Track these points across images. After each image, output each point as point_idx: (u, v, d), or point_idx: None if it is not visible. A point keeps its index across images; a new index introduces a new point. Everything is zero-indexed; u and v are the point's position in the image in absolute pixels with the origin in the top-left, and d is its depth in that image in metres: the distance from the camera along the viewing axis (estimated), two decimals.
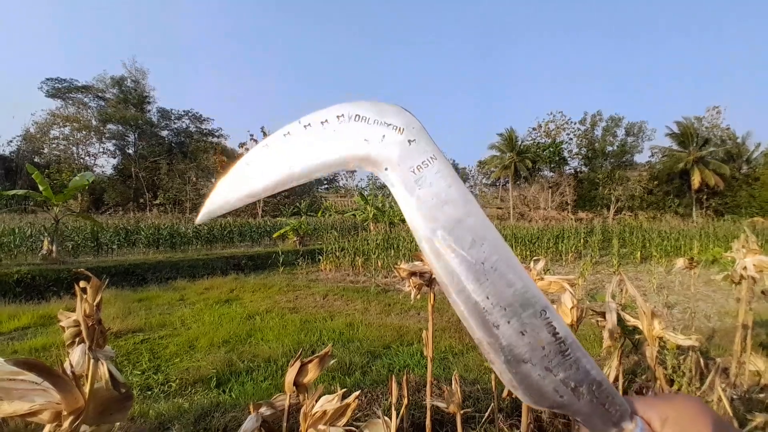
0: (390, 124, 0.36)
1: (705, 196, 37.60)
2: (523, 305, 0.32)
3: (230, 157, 42.04)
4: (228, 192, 0.37)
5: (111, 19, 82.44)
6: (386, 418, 0.94)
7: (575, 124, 43.70)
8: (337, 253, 10.90)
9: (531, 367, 0.32)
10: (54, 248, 9.57)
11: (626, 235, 15.36)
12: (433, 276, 1.50)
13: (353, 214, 22.87)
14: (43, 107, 56.79)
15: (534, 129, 45.26)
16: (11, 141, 38.31)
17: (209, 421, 2.13)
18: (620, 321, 2.13)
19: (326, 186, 54.36)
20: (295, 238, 15.04)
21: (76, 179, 10.41)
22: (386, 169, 0.36)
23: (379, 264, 10.16)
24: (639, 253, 12.17)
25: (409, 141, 0.35)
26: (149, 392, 3.15)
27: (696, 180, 36.05)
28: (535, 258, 1.65)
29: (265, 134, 38.72)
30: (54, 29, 79.24)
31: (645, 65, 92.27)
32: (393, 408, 0.94)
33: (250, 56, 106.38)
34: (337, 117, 0.36)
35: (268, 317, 5.56)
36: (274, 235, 16.44)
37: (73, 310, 1.21)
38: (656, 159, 41.86)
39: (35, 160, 36.15)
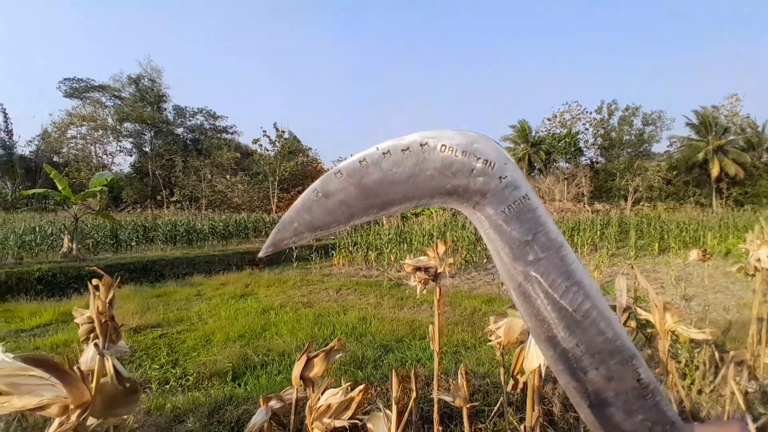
0: (480, 158, 0.32)
1: (725, 186, 36.66)
2: (611, 353, 0.33)
3: (244, 153, 42.47)
4: (295, 222, 0.35)
5: (125, 18, 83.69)
6: (387, 411, 0.96)
7: (591, 113, 42.99)
8: (350, 248, 10.97)
9: (615, 410, 0.33)
10: (74, 246, 9.81)
11: (644, 227, 15.09)
12: (439, 271, 1.51)
13: None
14: (61, 107, 58.07)
15: (549, 119, 44.67)
16: (31, 141, 39.28)
17: (223, 414, 2.19)
18: (632, 315, 2.11)
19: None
20: None
21: (95, 179, 10.65)
22: (474, 206, 0.34)
23: (392, 258, 10.19)
24: (657, 244, 11.96)
25: (501, 178, 0.33)
26: (167, 386, 3.23)
27: (715, 169, 35.17)
28: None
29: (276, 129, 38.98)
30: (71, 28, 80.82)
31: (661, 54, 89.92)
32: (394, 402, 0.95)
33: (263, 52, 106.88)
34: (421, 145, 0.33)
35: (282, 312, 5.63)
36: None
37: (88, 308, 1.26)
38: (674, 149, 40.95)
39: (54, 159, 37.07)
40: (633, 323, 2.03)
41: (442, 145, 0.33)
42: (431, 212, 19.18)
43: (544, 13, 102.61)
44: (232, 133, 47.04)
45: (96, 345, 0.70)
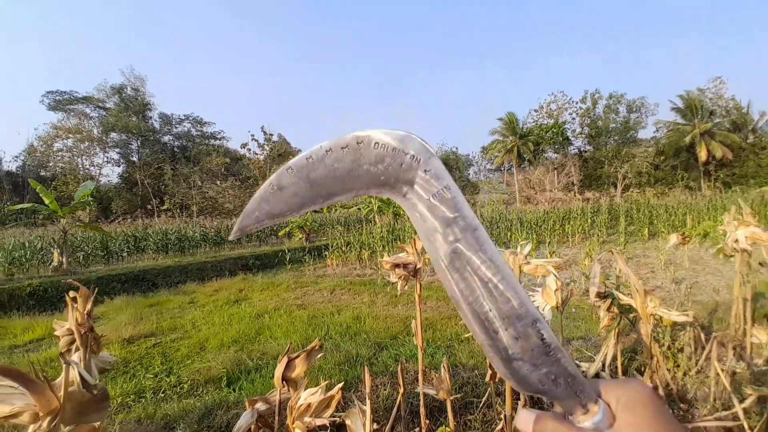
0: (407, 153, 0.37)
1: (713, 169, 37.11)
2: (518, 317, 0.38)
3: (233, 158, 42.26)
4: (256, 212, 0.39)
5: (108, 26, 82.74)
6: (363, 406, 0.98)
7: (576, 103, 43.29)
8: (343, 248, 10.97)
9: (522, 363, 0.39)
10: (64, 259, 9.73)
11: (633, 213, 15.24)
12: (418, 266, 1.53)
13: (358, 208, 22.93)
14: (45, 121, 57.32)
15: (536, 110, 44.91)
16: (17, 156, 38.75)
17: (212, 419, 2.20)
18: (615, 300, 2.15)
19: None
20: (301, 235, 15.15)
21: (80, 191, 10.57)
22: (404, 195, 0.39)
23: (386, 256, 10.21)
24: (647, 230, 12.10)
25: (426, 170, 0.37)
26: (162, 394, 3.23)
27: (703, 153, 35.56)
28: (521, 242, 1.67)
29: (265, 133, 38.89)
30: (53, 41, 79.68)
31: (642, 39, 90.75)
32: (368, 398, 0.97)
33: (247, 55, 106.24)
34: (358, 143, 0.38)
35: (276, 315, 5.64)
36: (280, 234, 16.57)
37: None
38: (661, 134, 41.36)
39: (41, 173, 36.61)
40: (615, 309, 2.07)
41: (375, 143, 0.38)
42: None
43: (525, 6, 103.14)
44: (220, 139, 46.80)
45: (62, 355, 0.72)
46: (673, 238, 2.68)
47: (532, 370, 0.39)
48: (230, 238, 0.44)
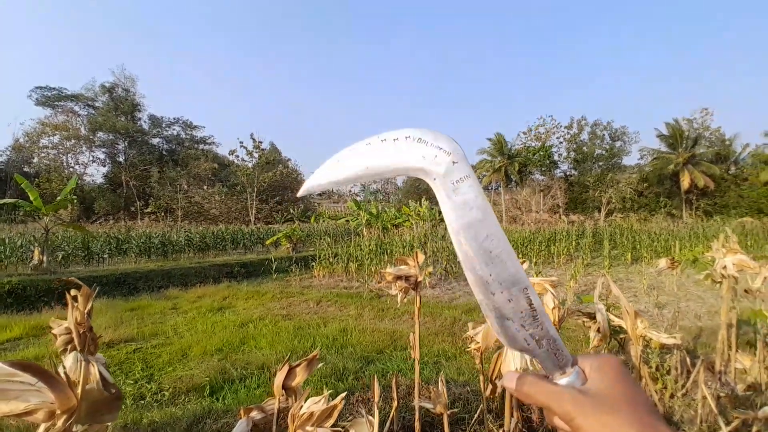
0: (441, 148, 0.47)
1: (695, 197, 38.03)
2: (513, 283, 0.45)
3: (222, 164, 41.91)
4: (320, 178, 0.50)
5: (99, 26, 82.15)
6: (370, 417, 0.97)
7: (564, 128, 44.20)
8: (331, 259, 10.89)
9: (511, 323, 0.46)
10: (45, 258, 9.47)
11: (617, 237, 15.50)
12: (419, 279, 1.54)
13: (347, 220, 22.88)
14: (32, 116, 56.21)
15: (524, 133, 45.65)
16: (2, 152, 37.86)
17: (201, 427, 2.14)
18: (606, 321, 2.18)
19: (319, 192, 54.45)
20: (288, 245, 15.02)
21: (67, 187, 10.37)
22: (434, 179, 0.47)
23: (373, 269, 10.17)
24: (630, 254, 12.30)
25: (453, 162, 0.47)
26: (142, 401, 3.14)
27: (686, 181, 36.48)
28: (520, 260, 1.69)
29: (254, 140, 38.73)
30: (44, 37, 78.74)
31: (631, 69, 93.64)
32: (376, 407, 0.96)
33: (240, 62, 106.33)
34: (405, 138, 0.48)
35: (261, 324, 5.55)
36: (267, 242, 16.40)
37: (65, 319, 1.23)
38: (645, 161, 42.36)
39: (25, 169, 35.73)
40: (605, 330, 2.10)
41: (419, 138, 0.48)
42: (412, 223, 19.26)
43: (521, 29, 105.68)
44: (209, 144, 46.43)
45: (81, 352, 0.70)
46: (662, 263, 2.74)
47: (519, 329, 0.46)
48: (299, 194, 0.54)
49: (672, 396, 2.32)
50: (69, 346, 1.14)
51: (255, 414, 1.26)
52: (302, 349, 4.46)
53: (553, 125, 44.31)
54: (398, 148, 0.48)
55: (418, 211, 20.52)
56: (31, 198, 9.66)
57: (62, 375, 0.60)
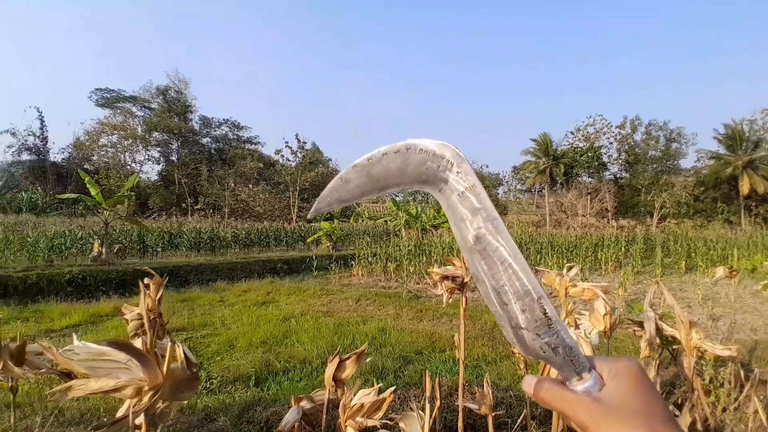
0: (445, 158, 0.47)
1: (754, 204, 35.33)
2: (525, 293, 0.45)
3: (267, 164, 43.26)
4: (327, 198, 0.50)
5: (154, 31, 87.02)
6: (420, 411, 0.99)
7: (615, 128, 42.27)
8: (369, 259, 11.00)
9: (527, 332, 0.45)
10: (104, 250, 10.14)
11: (670, 244, 14.68)
12: (465, 280, 1.55)
13: (385, 221, 23.01)
14: (92, 116, 60.42)
15: (572, 133, 44.11)
16: (63, 149, 40.89)
17: (252, 414, 2.25)
18: (658, 331, 2.09)
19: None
20: (328, 243, 15.30)
21: (125, 184, 11.07)
22: (440, 190, 0.48)
23: (411, 270, 10.18)
24: (684, 262, 11.62)
25: (458, 172, 0.47)
26: None
27: (745, 186, 33.95)
28: (568, 265, 1.66)
29: (298, 140, 39.69)
30: (103, 40, 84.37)
31: (688, 67, 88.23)
32: (427, 402, 0.99)
33: (286, 64, 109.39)
34: (407, 149, 0.47)
35: (302, 320, 5.70)
36: (308, 240, 16.79)
37: (135, 305, 1.34)
38: (702, 164, 39.80)
39: (85, 166, 38.43)
40: (657, 340, 2.01)
41: (420, 149, 0.47)
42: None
43: (573, 27, 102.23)
44: (255, 144, 48.04)
45: (168, 333, 0.77)
46: (720, 271, 2.58)
47: (534, 338, 0.45)
48: (308, 216, 0.59)
49: (724, 410, 2.20)
50: (139, 331, 1.24)
51: (305, 403, 1.32)
52: (342, 345, 4.55)
53: (603, 125, 42.53)
54: (401, 160, 0.47)
55: None
56: (93, 193, 10.36)
57: (153, 354, 0.66)
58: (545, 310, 0.45)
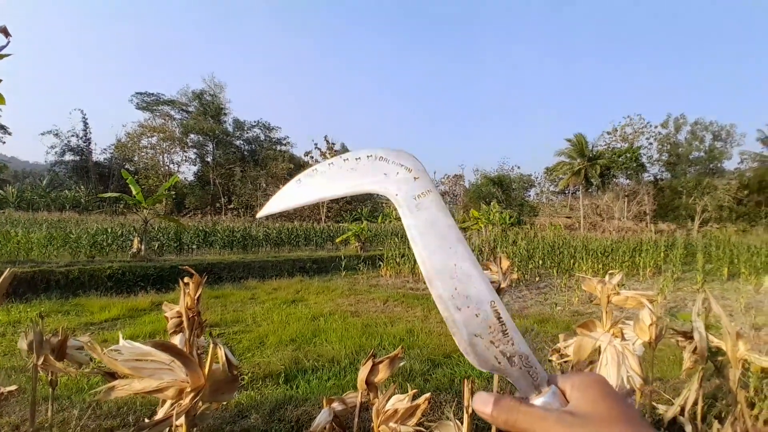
0: (403, 165, 0.49)
1: None
2: (478, 299, 0.44)
3: (297, 164, 44.03)
4: (280, 200, 0.52)
5: (190, 37, 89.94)
6: (457, 421, 0.97)
7: (656, 127, 40.58)
8: (398, 260, 10.98)
9: (480, 340, 0.43)
10: (142, 247, 10.55)
11: (712, 250, 13.96)
12: (501, 286, 1.51)
13: None
14: (133, 119, 63.10)
15: (609, 133, 42.69)
16: (105, 150, 42.95)
17: (283, 412, 2.28)
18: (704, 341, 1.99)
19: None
20: (356, 243, 15.38)
21: (165, 184, 11.48)
22: (396, 195, 0.48)
23: None
24: (726, 269, 11.03)
25: (414, 178, 0.48)
26: None
27: None
28: (610, 272, 1.59)
29: (327, 141, 40.19)
30: (141, 47, 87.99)
31: (733, 65, 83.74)
32: (465, 411, 0.96)
33: (315, 67, 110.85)
34: (367, 156, 0.50)
35: (331, 319, 5.75)
36: (337, 240, 16.93)
37: (172, 301, 1.38)
38: (746, 166, 37.68)
39: (126, 167, 40.27)
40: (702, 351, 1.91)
41: (380, 157, 0.49)
42: (481, 226, 18.82)
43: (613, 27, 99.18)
44: (285, 144, 48.96)
45: (210, 334, 0.78)
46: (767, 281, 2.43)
47: (488, 347, 0.43)
48: (258, 216, 0.55)
49: (765, 422, 2.08)
50: (178, 329, 1.27)
51: (336, 405, 1.32)
52: (370, 346, 4.55)
53: (642, 125, 40.93)
54: (360, 167, 0.49)
55: (489, 215, 20.00)
56: (134, 192, 10.80)
57: (195, 355, 0.67)
58: (499, 314, 0.44)
